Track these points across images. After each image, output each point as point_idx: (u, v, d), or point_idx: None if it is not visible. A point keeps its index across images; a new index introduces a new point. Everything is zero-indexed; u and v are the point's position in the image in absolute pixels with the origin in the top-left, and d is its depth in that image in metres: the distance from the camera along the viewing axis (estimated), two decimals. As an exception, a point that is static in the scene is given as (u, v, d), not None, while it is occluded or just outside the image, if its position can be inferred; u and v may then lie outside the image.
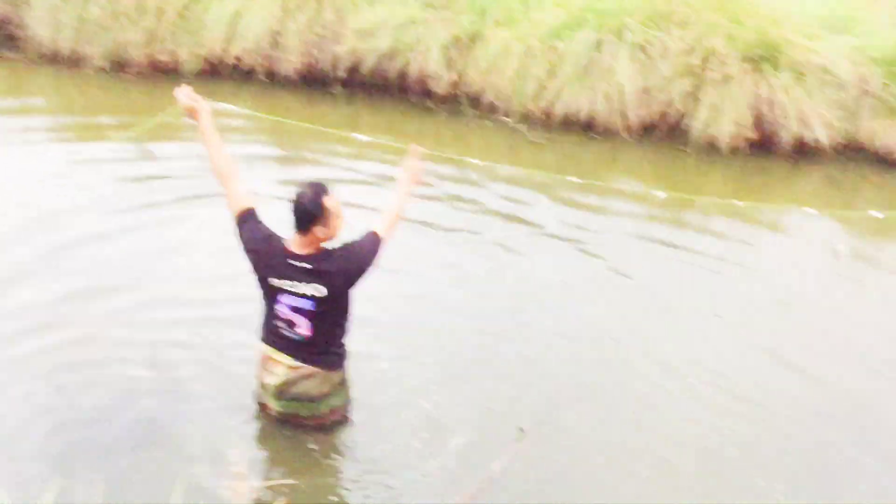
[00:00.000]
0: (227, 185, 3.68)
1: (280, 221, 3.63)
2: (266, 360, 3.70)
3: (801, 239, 6.49)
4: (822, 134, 7.67)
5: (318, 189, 3.47)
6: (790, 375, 4.69)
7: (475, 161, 6.22)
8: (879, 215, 6.22)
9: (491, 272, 5.54)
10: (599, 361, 4.68)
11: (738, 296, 5.51)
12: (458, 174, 6.93)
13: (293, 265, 3.51)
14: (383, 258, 3.62)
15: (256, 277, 3.61)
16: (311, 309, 3.54)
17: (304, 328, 3.58)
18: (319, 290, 3.51)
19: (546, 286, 5.40)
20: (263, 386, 3.76)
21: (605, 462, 3.93)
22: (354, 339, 3.80)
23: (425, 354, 4.55)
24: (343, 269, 3.53)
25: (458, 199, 6.53)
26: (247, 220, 3.62)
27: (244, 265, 3.62)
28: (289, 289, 3.52)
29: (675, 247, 6.12)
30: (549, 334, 4.86)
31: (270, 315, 3.64)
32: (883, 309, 5.62)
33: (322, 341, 3.65)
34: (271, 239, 3.57)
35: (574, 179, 5.63)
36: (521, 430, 3.98)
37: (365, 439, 3.90)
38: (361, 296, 3.67)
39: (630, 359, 4.72)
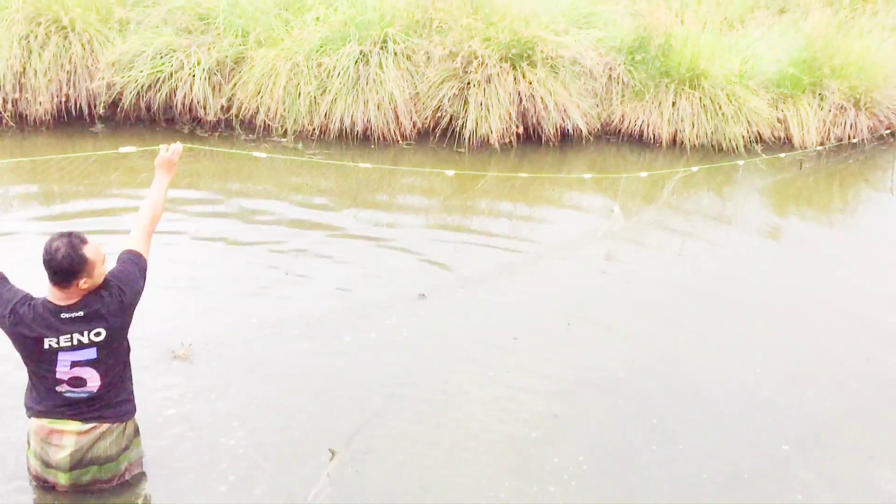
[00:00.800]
0: None
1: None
2: (48, 434, 3.40)
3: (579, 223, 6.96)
4: (580, 122, 8.25)
5: (75, 241, 3.24)
6: (603, 338, 5.08)
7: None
8: (643, 175, 6.91)
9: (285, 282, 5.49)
10: (400, 363, 4.74)
11: (535, 270, 5.83)
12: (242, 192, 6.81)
13: (65, 318, 3.28)
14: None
15: (22, 348, 3.32)
16: (95, 357, 3.34)
17: (93, 380, 3.36)
18: (98, 334, 3.32)
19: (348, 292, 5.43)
20: (47, 464, 3.45)
21: (423, 465, 3.98)
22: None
23: (217, 383, 4.41)
24: (118, 303, 3.36)
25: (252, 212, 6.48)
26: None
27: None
28: (66, 344, 3.28)
29: (470, 231, 6.40)
30: (349, 346, 4.87)
31: (49, 382, 3.35)
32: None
33: (114, 389, 3.45)
34: (30, 300, 3.31)
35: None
36: (332, 451, 3.95)
37: (166, 493, 3.71)
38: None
39: (425, 358, 4.81)
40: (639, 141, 8.59)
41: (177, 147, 3.90)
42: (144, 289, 3.50)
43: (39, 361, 3.33)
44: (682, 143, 8.52)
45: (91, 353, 3.34)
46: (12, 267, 3.58)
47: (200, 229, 6.21)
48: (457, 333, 5.11)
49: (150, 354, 4.45)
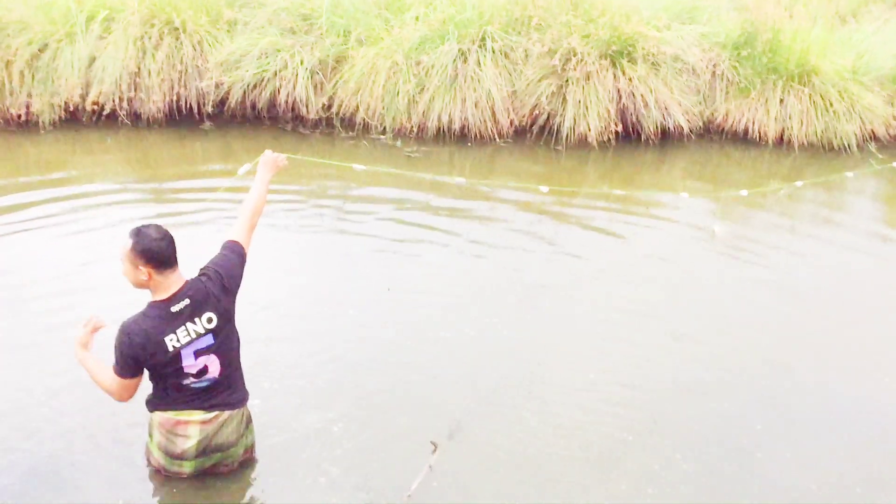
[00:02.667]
0: None
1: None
2: (174, 426, 3.52)
3: (679, 223, 6.75)
4: (681, 119, 8.05)
5: (154, 225, 3.37)
6: (697, 356, 4.91)
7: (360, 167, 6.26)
8: (744, 193, 6.65)
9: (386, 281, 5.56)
10: (499, 367, 4.72)
11: (631, 284, 5.71)
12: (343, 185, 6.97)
13: (175, 311, 3.37)
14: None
15: (156, 365, 3.39)
16: (213, 343, 3.45)
17: (214, 368, 3.48)
18: (210, 320, 3.43)
19: (452, 294, 5.46)
20: (172, 455, 3.57)
21: (517, 466, 3.97)
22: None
23: (319, 375, 4.50)
24: (220, 287, 3.47)
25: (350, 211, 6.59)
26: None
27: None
28: (185, 340, 3.39)
29: (557, 244, 6.29)
30: (451, 344, 4.90)
31: (178, 378, 3.45)
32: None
33: (231, 376, 3.56)
34: (135, 321, 3.37)
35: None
36: (434, 443, 3.98)
37: (270, 482, 3.81)
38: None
39: (524, 357, 4.79)
40: (743, 139, 8.32)
41: (283, 159, 4.03)
42: (241, 275, 3.60)
43: (168, 365, 3.41)
44: (789, 141, 8.21)
45: (209, 340, 3.45)
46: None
47: (304, 225, 6.37)
48: (556, 335, 5.06)
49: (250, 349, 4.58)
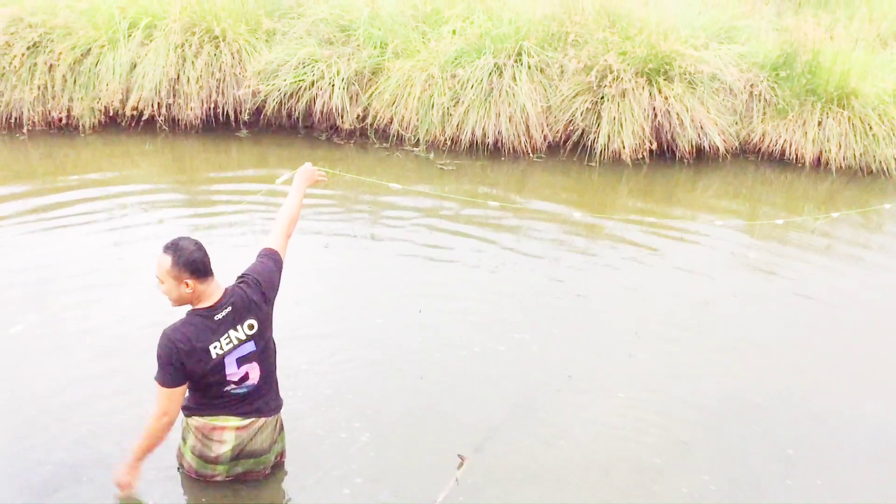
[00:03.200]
0: None
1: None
2: (210, 431, 3.53)
3: (712, 246, 6.67)
4: (717, 139, 7.98)
5: (189, 238, 3.39)
6: (729, 377, 4.84)
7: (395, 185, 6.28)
8: (779, 222, 6.55)
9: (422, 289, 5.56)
10: (528, 382, 4.69)
11: (662, 303, 5.66)
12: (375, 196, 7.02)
13: (218, 319, 3.39)
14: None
15: (198, 373, 3.37)
16: (255, 349, 3.47)
17: (254, 374, 3.49)
18: (251, 326, 3.45)
19: (482, 307, 5.44)
20: (206, 459, 3.59)
21: (542, 484, 3.93)
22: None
23: (345, 384, 4.51)
24: (259, 294, 3.49)
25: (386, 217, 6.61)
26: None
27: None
28: (228, 347, 3.39)
29: (589, 260, 6.26)
30: (480, 358, 4.89)
31: (219, 386, 3.45)
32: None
33: (267, 383, 3.58)
34: (180, 327, 3.37)
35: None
36: (461, 457, 3.96)
37: (298, 490, 3.81)
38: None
39: (553, 373, 4.76)
40: (780, 161, 8.22)
41: (321, 173, 4.07)
42: (279, 282, 3.62)
43: (210, 374, 3.41)
44: (826, 163, 8.09)
45: (251, 346, 3.47)
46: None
47: (335, 231, 6.40)
48: (585, 352, 5.02)
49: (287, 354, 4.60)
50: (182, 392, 3.41)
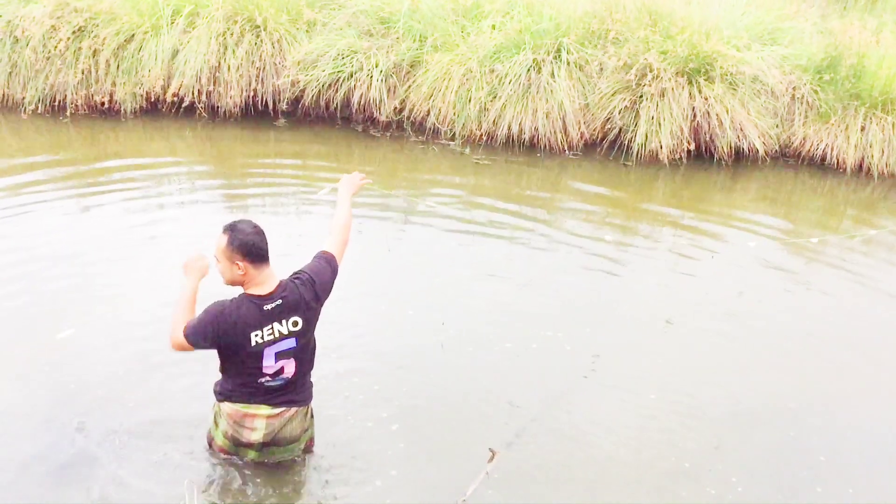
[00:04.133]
0: None
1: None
2: (242, 418, 3.56)
3: (746, 252, 6.58)
4: (757, 142, 7.89)
5: (248, 221, 3.41)
6: (762, 382, 4.80)
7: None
8: (814, 240, 6.45)
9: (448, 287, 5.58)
10: (560, 381, 4.68)
11: (696, 306, 5.62)
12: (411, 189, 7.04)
13: (267, 310, 3.40)
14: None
15: (231, 352, 3.42)
16: (295, 346, 3.48)
17: (290, 369, 3.51)
18: (295, 324, 3.45)
19: (516, 304, 5.44)
20: (238, 443, 3.64)
21: (571, 483, 3.93)
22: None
23: (378, 379, 4.53)
24: (312, 292, 3.48)
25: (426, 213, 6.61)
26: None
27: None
28: (269, 338, 3.41)
29: (624, 262, 6.23)
30: (513, 354, 4.89)
31: (254, 376, 3.48)
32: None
33: (303, 377, 3.60)
34: (229, 305, 3.40)
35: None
36: (492, 451, 3.97)
37: (329, 480, 3.84)
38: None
39: (584, 371, 4.75)
40: (820, 165, 8.09)
41: (362, 177, 4.05)
42: (332, 286, 3.61)
43: (246, 358, 3.43)
44: (868, 169, 7.95)
45: (291, 343, 3.47)
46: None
47: (368, 227, 6.44)
48: (618, 353, 4.99)
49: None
50: (190, 351, 3.46)
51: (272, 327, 3.41)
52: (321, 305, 3.58)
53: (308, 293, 3.48)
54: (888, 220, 7.29)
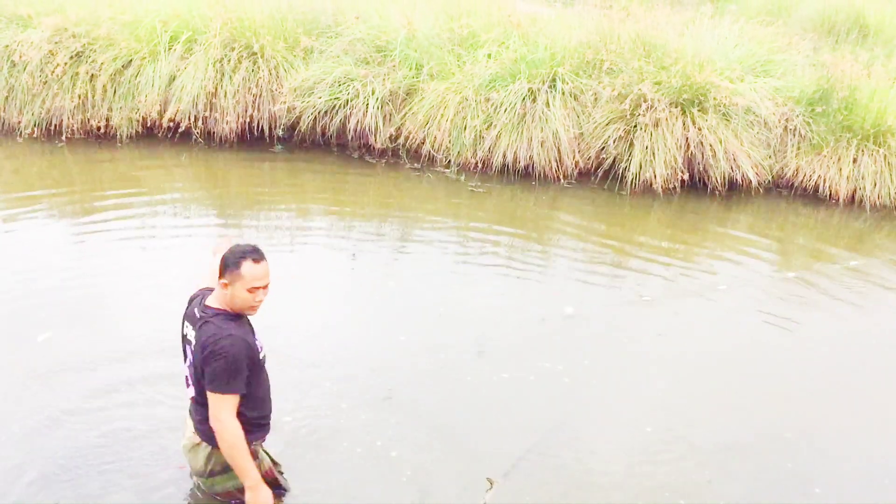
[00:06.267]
0: None
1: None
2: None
3: (741, 283, 6.61)
4: (750, 172, 7.94)
5: (247, 248, 3.29)
6: (757, 415, 4.79)
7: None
8: (791, 275, 6.46)
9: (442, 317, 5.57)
10: (557, 413, 4.66)
11: (692, 339, 5.62)
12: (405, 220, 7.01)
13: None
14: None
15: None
16: (192, 361, 3.28)
17: (189, 387, 3.37)
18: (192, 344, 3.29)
19: (513, 336, 5.43)
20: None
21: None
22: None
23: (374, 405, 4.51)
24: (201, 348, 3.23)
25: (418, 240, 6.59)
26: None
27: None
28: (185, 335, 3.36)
29: (621, 293, 6.24)
30: (511, 386, 4.88)
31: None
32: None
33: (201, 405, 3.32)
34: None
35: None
36: (490, 481, 3.95)
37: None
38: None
39: (582, 403, 4.73)
40: (813, 196, 8.14)
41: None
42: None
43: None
44: (860, 201, 8.01)
45: (190, 356, 3.37)
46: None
47: (362, 249, 6.43)
48: (616, 386, 4.98)
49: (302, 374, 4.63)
50: None
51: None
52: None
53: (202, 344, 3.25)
54: (880, 250, 7.34)
